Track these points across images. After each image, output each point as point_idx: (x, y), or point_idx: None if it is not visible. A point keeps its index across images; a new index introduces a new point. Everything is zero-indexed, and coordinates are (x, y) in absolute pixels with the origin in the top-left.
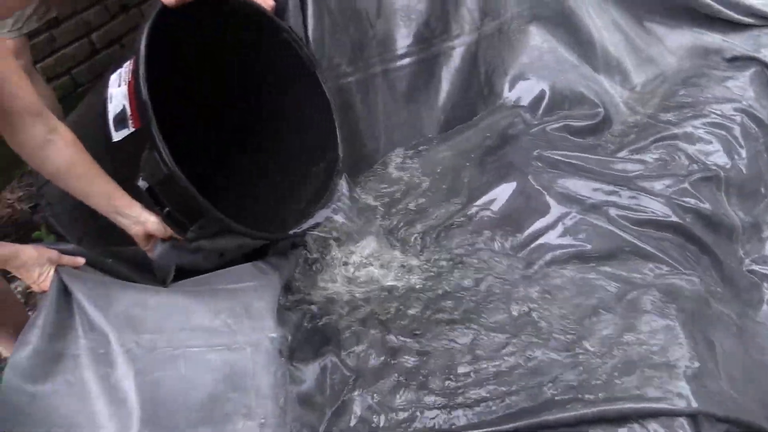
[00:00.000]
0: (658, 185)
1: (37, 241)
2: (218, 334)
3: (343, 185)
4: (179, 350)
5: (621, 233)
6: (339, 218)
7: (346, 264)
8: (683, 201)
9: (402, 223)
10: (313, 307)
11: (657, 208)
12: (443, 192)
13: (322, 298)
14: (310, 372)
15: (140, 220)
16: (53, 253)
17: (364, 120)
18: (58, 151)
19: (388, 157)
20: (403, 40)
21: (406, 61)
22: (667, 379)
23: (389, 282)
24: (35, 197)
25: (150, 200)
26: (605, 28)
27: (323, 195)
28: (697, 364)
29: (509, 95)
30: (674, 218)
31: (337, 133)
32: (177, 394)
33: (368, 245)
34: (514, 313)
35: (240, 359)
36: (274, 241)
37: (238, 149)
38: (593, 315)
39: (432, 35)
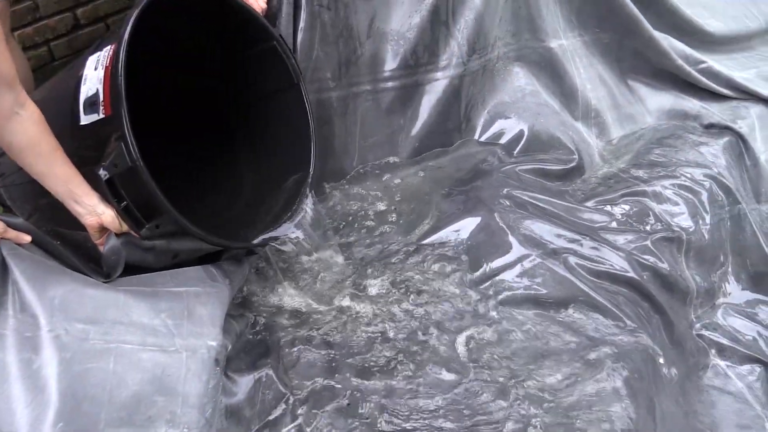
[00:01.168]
0: (620, 239)
1: None
2: (155, 333)
3: (308, 200)
4: (112, 345)
5: (577, 282)
6: (299, 233)
7: (298, 279)
8: (643, 258)
9: (361, 244)
10: (259, 318)
11: (616, 262)
12: (407, 216)
13: (269, 309)
14: (243, 384)
15: (96, 211)
16: None
17: (340, 135)
18: (23, 127)
19: (357, 173)
20: (388, 63)
21: (389, 84)
22: None
23: (341, 302)
24: None
25: (108, 191)
26: (589, 80)
27: (290, 209)
28: (634, 421)
29: (487, 131)
30: (631, 274)
31: (312, 149)
32: (101, 389)
33: (324, 262)
34: (461, 349)
35: (173, 363)
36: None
37: (213, 153)
38: (539, 360)
39: (417, 63)
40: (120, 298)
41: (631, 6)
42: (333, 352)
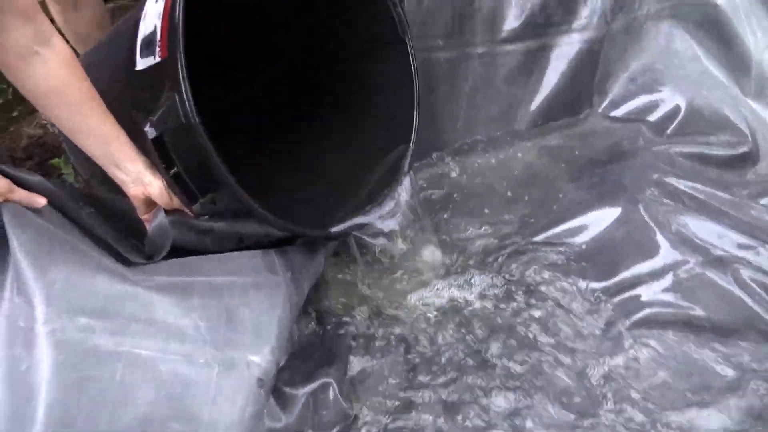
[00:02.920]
0: None
1: (55, 168)
2: (181, 338)
3: (405, 182)
4: (123, 348)
5: (752, 303)
6: (392, 223)
7: (383, 271)
8: None
9: (464, 232)
10: (325, 316)
11: None
12: (522, 202)
13: (340, 305)
14: (295, 400)
15: (142, 180)
16: (1, 184)
17: (446, 102)
18: (46, 68)
19: (463, 145)
20: (511, 21)
21: (510, 47)
22: None
23: (432, 304)
24: None
25: (155, 153)
26: None
27: (383, 191)
28: None
29: (630, 105)
30: None
31: (415, 118)
32: (101, 406)
33: (417, 253)
34: (583, 383)
35: (200, 379)
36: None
37: (295, 117)
38: (693, 407)
39: (548, 22)
40: (140, 288)
41: None
42: (415, 366)
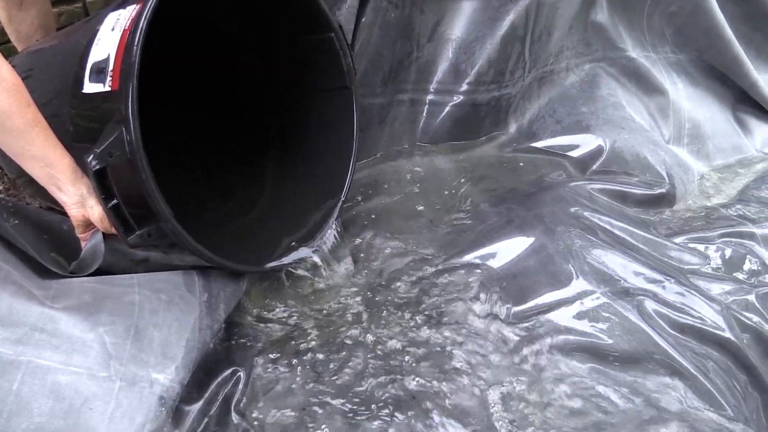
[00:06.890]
0: (716, 288)
1: None
2: (85, 351)
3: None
4: (24, 358)
5: (654, 335)
6: (316, 259)
7: (300, 284)
8: (744, 316)
9: (383, 251)
10: (235, 322)
11: (708, 316)
12: (443, 225)
13: (251, 312)
14: (189, 415)
15: (84, 202)
16: None
17: (372, 140)
18: None
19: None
20: (443, 74)
21: (438, 98)
22: None
23: (343, 320)
24: None
25: (96, 185)
26: (688, 99)
27: (312, 236)
28: None
29: (554, 141)
30: (727, 334)
31: (350, 169)
32: None
33: (333, 268)
34: (487, 402)
35: (99, 393)
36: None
37: (234, 149)
38: (591, 430)
39: (478, 81)
40: (47, 305)
41: (737, 48)
42: (321, 381)
